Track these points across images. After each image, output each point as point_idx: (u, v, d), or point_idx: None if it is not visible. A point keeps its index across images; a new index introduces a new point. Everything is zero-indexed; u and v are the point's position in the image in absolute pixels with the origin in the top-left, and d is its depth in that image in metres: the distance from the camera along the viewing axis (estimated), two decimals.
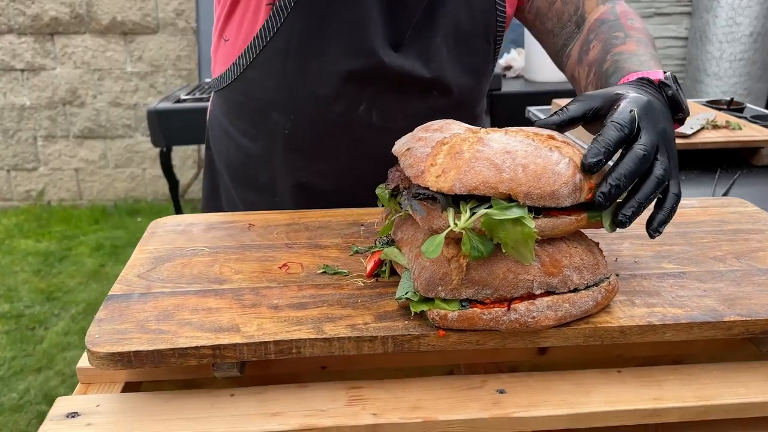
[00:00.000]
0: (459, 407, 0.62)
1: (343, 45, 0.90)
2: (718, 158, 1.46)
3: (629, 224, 0.63)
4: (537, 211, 0.60)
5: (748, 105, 1.87)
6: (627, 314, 0.65)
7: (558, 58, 1.00)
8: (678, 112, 0.72)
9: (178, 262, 0.76)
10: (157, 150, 4.11)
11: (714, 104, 1.87)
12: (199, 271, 0.74)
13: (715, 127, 1.53)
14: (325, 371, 0.72)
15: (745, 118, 1.69)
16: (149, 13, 3.84)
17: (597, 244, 0.68)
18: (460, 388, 0.64)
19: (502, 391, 0.64)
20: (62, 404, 0.63)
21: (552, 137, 0.65)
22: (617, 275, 0.73)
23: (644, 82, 0.72)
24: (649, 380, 0.66)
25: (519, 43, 3.12)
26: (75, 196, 4.16)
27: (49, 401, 2.24)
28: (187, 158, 4.04)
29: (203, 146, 3.61)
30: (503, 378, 0.66)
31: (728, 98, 1.81)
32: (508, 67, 2.80)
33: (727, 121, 1.54)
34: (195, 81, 3.78)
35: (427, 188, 0.60)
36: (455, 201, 0.60)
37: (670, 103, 0.71)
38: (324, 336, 0.62)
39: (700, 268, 0.75)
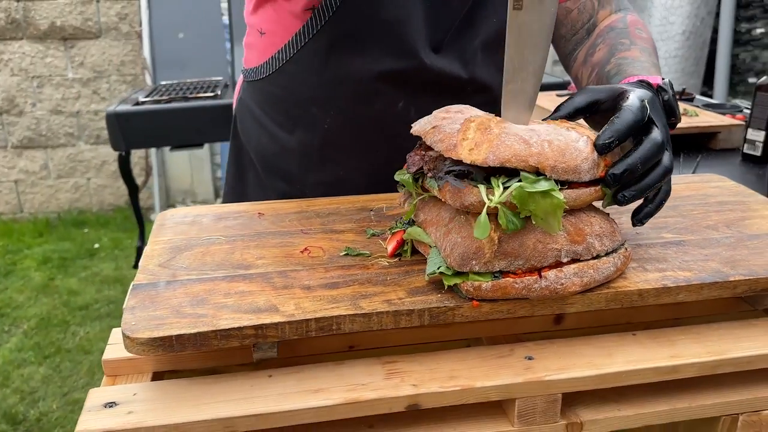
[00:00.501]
0: (493, 374, 0.64)
1: (386, 45, 0.92)
2: (678, 144, 1.55)
3: (627, 204, 0.67)
4: (560, 184, 0.63)
5: (697, 96, 1.98)
6: (642, 279, 0.69)
7: (566, 60, 1.04)
8: (671, 117, 0.76)
9: (197, 250, 0.76)
10: (101, 159, 4.00)
11: None
12: (222, 258, 0.74)
13: None
14: (352, 351, 0.73)
15: (697, 106, 1.79)
16: (90, 18, 3.73)
17: (608, 214, 0.72)
18: (490, 357, 0.67)
19: (530, 358, 0.67)
20: (97, 395, 0.62)
21: (564, 121, 0.69)
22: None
23: (644, 84, 0.76)
24: (662, 341, 0.70)
25: None
26: (15, 209, 3.99)
27: (9, 419, 2.15)
28: (134, 165, 3.94)
29: (153, 151, 3.51)
30: (529, 345, 0.69)
31: (680, 89, 1.92)
32: None
33: (684, 109, 1.63)
34: (141, 86, 3.69)
35: (460, 161, 0.63)
36: (484, 177, 0.63)
37: (665, 107, 0.75)
38: (363, 312, 0.63)
39: (697, 236, 0.80)
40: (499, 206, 0.61)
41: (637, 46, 0.90)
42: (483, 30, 0.97)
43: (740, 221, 0.84)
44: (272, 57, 0.98)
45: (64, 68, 3.77)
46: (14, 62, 3.71)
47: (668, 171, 0.68)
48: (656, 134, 0.67)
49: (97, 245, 3.58)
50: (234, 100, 1.14)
